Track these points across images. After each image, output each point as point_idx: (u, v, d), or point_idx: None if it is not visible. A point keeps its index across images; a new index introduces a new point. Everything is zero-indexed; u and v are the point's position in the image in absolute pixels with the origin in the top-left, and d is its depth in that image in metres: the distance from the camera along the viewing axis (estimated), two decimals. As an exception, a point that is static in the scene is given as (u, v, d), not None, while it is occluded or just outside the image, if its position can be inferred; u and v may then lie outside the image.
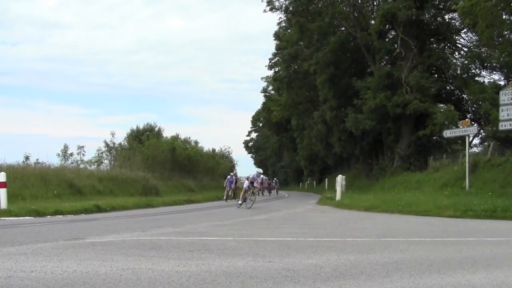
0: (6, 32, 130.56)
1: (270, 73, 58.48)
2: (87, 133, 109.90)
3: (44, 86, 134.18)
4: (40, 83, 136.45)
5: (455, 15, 31.95)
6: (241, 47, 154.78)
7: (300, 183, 73.53)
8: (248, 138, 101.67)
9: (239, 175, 29.78)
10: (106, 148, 35.19)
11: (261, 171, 24.24)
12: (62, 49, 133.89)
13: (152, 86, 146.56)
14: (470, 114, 33.53)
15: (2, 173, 14.87)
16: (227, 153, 63.28)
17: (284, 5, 40.57)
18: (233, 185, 29.60)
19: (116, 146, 36.09)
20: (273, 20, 69.56)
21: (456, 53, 36.86)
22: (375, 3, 39.26)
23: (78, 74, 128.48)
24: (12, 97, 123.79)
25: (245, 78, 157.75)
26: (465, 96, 33.91)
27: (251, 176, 21.40)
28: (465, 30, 33.67)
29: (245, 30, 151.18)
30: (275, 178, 55.81)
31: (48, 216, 14.45)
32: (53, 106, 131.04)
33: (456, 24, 34.62)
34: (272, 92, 64.79)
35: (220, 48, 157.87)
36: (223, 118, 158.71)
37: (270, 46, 73.52)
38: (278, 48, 51.74)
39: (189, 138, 49.59)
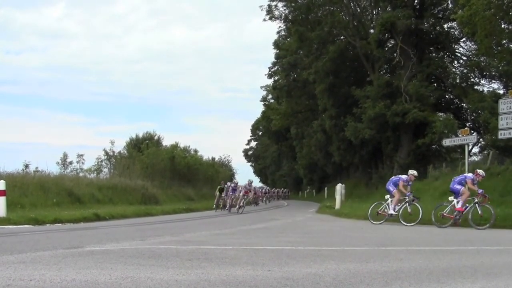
0: (11, 41, 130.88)
1: (270, 81, 58.75)
2: (87, 142, 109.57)
3: (45, 95, 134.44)
4: (42, 92, 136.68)
5: (454, 24, 32.10)
6: (244, 57, 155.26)
7: (300, 192, 73.41)
8: (247, 146, 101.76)
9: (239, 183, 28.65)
10: (105, 157, 35.25)
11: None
12: (66, 58, 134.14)
13: (154, 96, 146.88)
14: (470, 123, 33.56)
15: (2, 181, 14.86)
16: (226, 162, 63.26)
17: (283, 14, 40.78)
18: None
19: (115, 154, 36.15)
20: (275, 29, 69.74)
21: (455, 62, 37.01)
22: (374, 12, 39.41)
23: (81, 83, 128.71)
24: (13, 106, 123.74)
25: (246, 87, 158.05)
26: (464, 105, 33.99)
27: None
28: (464, 39, 33.84)
29: (248, 40, 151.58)
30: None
31: (47, 225, 14.43)
32: (54, 115, 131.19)
33: (455, 33, 34.79)
34: (272, 100, 64.95)
35: (223, 58, 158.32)
36: (223, 127, 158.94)
37: (271, 55, 73.77)
38: (277, 56, 51.95)
39: (189, 146, 49.55)
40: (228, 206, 25.61)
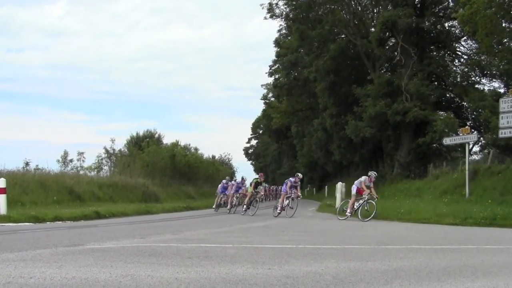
0: (13, 39, 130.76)
1: (271, 80, 58.71)
2: (87, 140, 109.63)
3: (47, 93, 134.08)
4: (44, 90, 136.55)
5: (455, 23, 32.09)
6: (245, 56, 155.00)
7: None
8: (248, 145, 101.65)
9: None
10: (106, 155, 35.23)
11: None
12: (67, 56, 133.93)
13: (155, 94, 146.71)
14: (470, 122, 33.59)
15: (2, 179, 14.86)
16: (227, 160, 63.29)
17: (284, 13, 40.79)
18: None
19: (116, 152, 36.14)
20: (276, 28, 69.27)
21: (456, 61, 36.99)
22: (375, 11, 39.40)
23: (82, 81, 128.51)
24: (14, 104, 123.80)
25: (247, 86, 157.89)
26: (465, 103, 33.98)
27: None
28: (465, 38, 33.82)
29: (249, 39, 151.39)
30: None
31: (48, 222, 14.44)
32: (55, 113, 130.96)
33: (456, 32, 34.75)
34: (272, 99, 64.89)
35: (224, 56, 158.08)
36: (223, 125, 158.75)
37: (272, 53, 73.75)
38: (278, 55, 51.91)
39: (189, 145, 49.54)
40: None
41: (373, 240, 9.65)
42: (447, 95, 36.04)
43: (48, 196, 20.35)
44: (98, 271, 5.06)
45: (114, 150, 35.89)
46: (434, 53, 36.06)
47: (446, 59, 36.14)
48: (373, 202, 16.84)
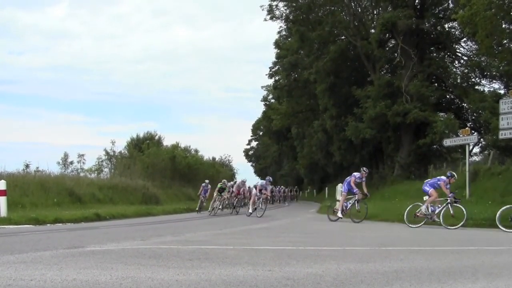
0: (14, 41, 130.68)
1: (271, 81, 58.76)
2: (88, 142, 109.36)
3: (48, 95, 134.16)
4: (44, 92, 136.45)
5: (455, 24, 32.13)
6: (245, 57, 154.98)
7: (300, 192, 73.32)
8: (248, 146, 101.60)
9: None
10: (106, 157, 35.28)
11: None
12: (68, 58, 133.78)
13: (156, 95, 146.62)
14: (470, 123, 33.60)
15: (2, 181, 14.88)
16: (227, 162, 63.30)
17: (284, 14, 40.85)
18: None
19: (116, 154, 36.19)
20: (276, 29, 68.95)
21: (456, 62, 37.03)
22: (375, 12, 39.44)
23: (83, 83, 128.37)
24: (15, 106, 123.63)
25: (248, 87, 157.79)
26: (465, 105, 34.02)
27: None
28: (465, 39, 33.86)
29: (250, 40, 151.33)
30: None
31: (48, 224, 14.44)
32: (56, 115, 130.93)
33: (456, 33, 34.80)
34: (273, 100, 64.92)
35: (225, 57, 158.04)
36: (224, 126, 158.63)
37: (272, 55, 73.73)
38: (278, 56, 51.96)
39: (189, 146, 49.61)
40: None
41: (373, 242, 9.64)
42: (447, 96, 36.10)
43: (49, 198, 20.38)
44: (98, 273, 5.06)
45: (114, 152, 36.01)
46: (434, 54, 36.11)
47: (446, 60, 36.21)
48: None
